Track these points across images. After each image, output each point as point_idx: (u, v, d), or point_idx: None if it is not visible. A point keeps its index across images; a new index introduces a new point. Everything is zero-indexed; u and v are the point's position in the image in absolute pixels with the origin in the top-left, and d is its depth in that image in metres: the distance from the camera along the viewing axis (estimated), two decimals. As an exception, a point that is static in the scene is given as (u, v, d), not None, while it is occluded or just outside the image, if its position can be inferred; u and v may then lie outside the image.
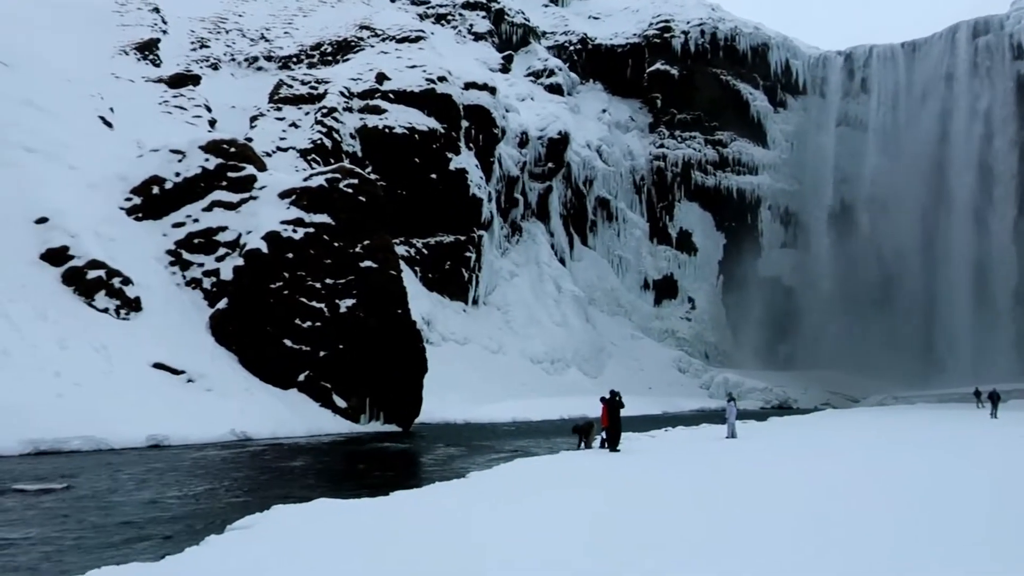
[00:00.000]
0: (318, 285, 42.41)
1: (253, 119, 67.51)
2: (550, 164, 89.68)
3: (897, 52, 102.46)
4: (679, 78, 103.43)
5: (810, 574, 9.79)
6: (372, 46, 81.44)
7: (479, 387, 61.42)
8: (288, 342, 41.01)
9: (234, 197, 45.24)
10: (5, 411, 26.97)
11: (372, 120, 69.61)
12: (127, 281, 38.83)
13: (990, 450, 26.47)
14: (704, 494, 16.29)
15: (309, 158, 63.09)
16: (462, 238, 74.55)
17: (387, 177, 66.76)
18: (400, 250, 63.07)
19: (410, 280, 57.51)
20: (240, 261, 42.28)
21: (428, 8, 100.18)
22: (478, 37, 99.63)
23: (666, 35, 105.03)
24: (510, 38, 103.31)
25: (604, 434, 27.66)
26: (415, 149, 70.76)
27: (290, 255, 42.32)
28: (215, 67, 79.35)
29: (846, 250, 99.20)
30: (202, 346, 39.43)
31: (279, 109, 67.87)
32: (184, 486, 20.73)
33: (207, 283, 42.52)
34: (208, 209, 44.81)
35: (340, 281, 42.91)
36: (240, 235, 43.49)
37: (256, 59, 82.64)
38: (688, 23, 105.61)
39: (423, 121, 71.70)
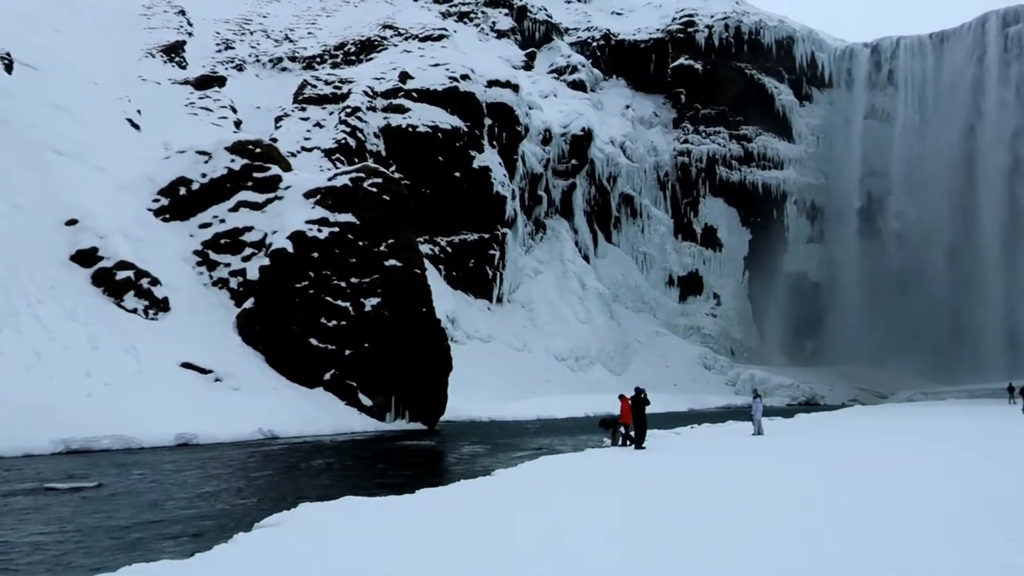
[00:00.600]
0: (343, 284, 42.63)
1: (278, 119, 67.99)
2: (574, 161, 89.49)
3: (925, 43, 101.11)
4: (703, 73, 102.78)
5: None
6: (395, 45, 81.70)
7: (504, 385, 61.48)
8: (314, 341, 41.27)
9: (260, 197, 45.58)
10: (37, 411, 27.37)
11: (396, 119, 69.85)
12: (155, 282, 39.26)
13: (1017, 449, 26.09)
14: (730, 494, 16.19)
15: (333, 158, 63.43)
16: (486, 236, 74.61)
17: (411, 176, 66.97)
18: (424, 249, 63.28)
19: (434, 278, 57.66)
20: (266, 261, 42.60)
21: (451, 6, 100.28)
22: (501, 35, 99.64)
23: (690, 30, 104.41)
24: (533, 35, 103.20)
25: (624, 430, 27.55)
26: (439, 147, 70.92)
27: (315, 254, 42.58)
28: (240, 68, 79.98)
29: (874, 245, 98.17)
30: (229, 345, 39.78)
31: (303, 109, 68.29)
32: (212, 484, 20.94)
33: (234, 283, 42.88)
34: (234, 209, 45.19)
35: (365, 280, 43.11)
36: (266, 235, 43.82)
37: (280, 60, 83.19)
38: (712, 17, 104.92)
39: (446, 119, 71.83)
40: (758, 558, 10.35)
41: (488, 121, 75.78)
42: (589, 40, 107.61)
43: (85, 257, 38.14)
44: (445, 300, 62.90)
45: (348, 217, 44.04)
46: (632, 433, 27.44)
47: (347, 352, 41.60)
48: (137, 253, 40.10)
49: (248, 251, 43.72)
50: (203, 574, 10.21)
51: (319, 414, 38.27)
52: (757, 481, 17.87)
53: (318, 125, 66.67)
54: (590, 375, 74.24)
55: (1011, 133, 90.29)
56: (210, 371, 36.73)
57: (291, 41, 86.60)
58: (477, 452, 31.01)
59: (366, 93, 69.73)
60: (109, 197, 42.94)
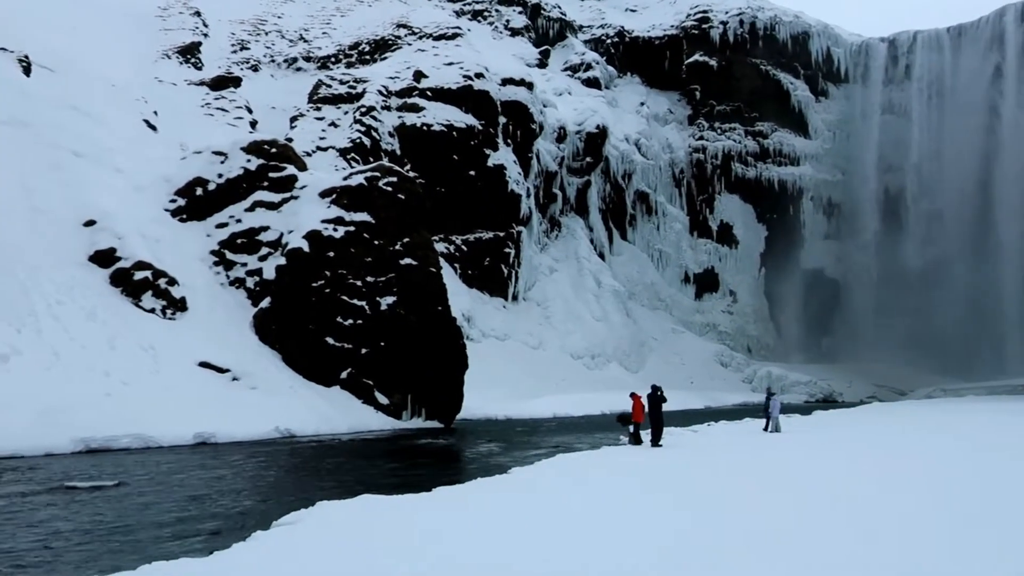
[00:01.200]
0: (359, 283, 42.74)
1: (293, 119, 68.25)
2: (588, 158, 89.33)
3: (942, 37, 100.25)
4: (718, 69, 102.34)
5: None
6: (409, 44, 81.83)
7: (520, 383, 61.47)
8: (330, 340, 41.41)
9: (275, 197, 45.77)
10: (56, 410, 27.60)
11: (410, 118, 69.96)
12: (173, 281, 39.50)
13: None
14: (748, 491, 16.12)
15: (348, 157, 63.60)
16: (501, 234, 74.63)
17: (426, 174, 67.05)
18: (439, 247, 63.36)
19: (450, 277, 57.71)
20: (282, 260, 42.78)
21: (464, 5, 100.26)
22: (515, 32, 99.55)
23: (704, 26, 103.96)
24: (547, 33, 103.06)
25: (633, 428, 27.47)
26: (453, 146, 70.98)
27: (331, 254, 42.70)
28: (255, 69, 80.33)
29: (891, 240, 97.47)
30: (246, 345, 39.98)
31: (318, 109, 68.50)
32: (231, 483, 21.04)
33: (250, 282, 43.08)
34: (250, 209, 45.40)
35: (380, 279, 43.20)
36: (282, 234, 44.00)
37: (295, 60, 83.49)
38: (727, 13, 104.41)
39: (461, 118, 71.87)
40: (769, 561, 10.29)
41: (503, 119, 75.76)
42: (603, 37, 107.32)
43: (103, 258, 38.41)
44: (461, 298, 62.94)
45: (363, 216, 44.14)
46: (641, 432, 27.41)
47: (363, 351, 41.71)
48: (155, 253, 40.35)
49: (264, 251, 43.91)
50: (222, 572, 10.25)
51: (335, 413, 38.39)
52: (774, 480, 17.78)
53: (333, 125, 66.87)
54: (606, 373, 74.13)
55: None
56: (227, 370, 36.92)
57: (306, 41, 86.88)
58: (493, 450, 31.01)
59: (381, 92, 69.87)
60: (127, 198, 43.24)
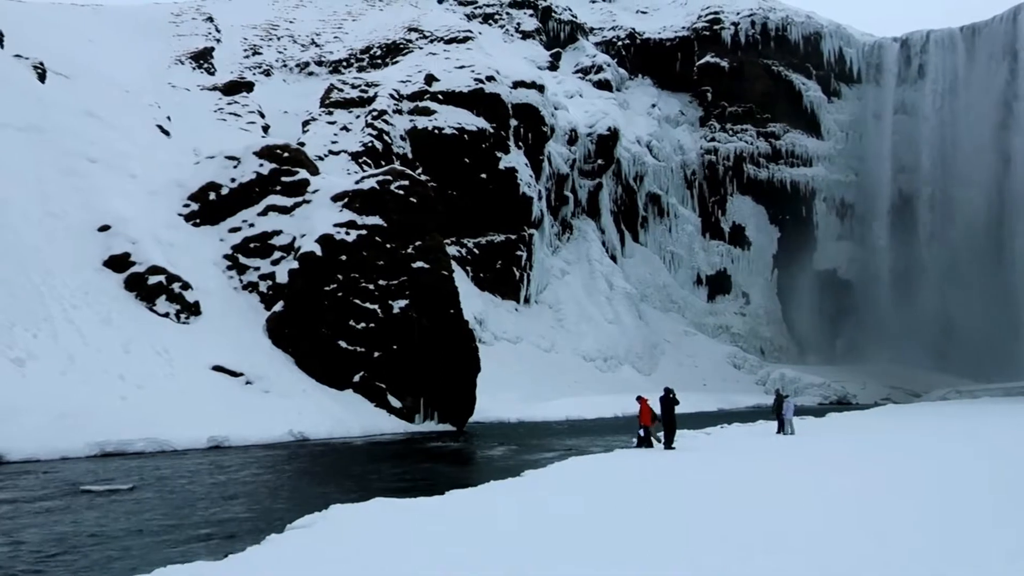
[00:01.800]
0: (371, 287, 42.85)
1: (305, 123, 68.53)
2: (600, 161, 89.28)
3: (956, 36, 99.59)
4: (729, 70, 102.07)
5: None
6: (420, 48, 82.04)
7: (532, 386, 61.46)
8: (343, 343, 41.52)
9: (288, 201, 45.95)
10: (72, 414, 27.78)
11: (422, 121, 70.11)
12: (186, 286, 39.71)
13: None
14: (760, 496, 16.07)
15: (360, 161, 63.80)
16: (513, 237, 74.66)
17: (437, 178, 67.17)
18: (451, 250, 63.44)
19: (462, 280, 57.78)
20: (295, 264, 42.94)
21: (475, 8, 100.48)
22: (526, 35, 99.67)
23: (715, 27, 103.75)
24: (558, 35, 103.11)
25: (642, 432, 27.46)
26: (465, 149, 71.07)
27: (343, 257, 42.83)
28: (267, 73, 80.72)
29: (905, 241, 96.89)
30: (259, 348, 40.14)
31: (330, 113, 68.76)
32: (244, 486, 21.14)
33: (263, 286, 43.26)
34: (263, 214, 45.60)
35: (393, 282, 43.30)
36: (294, 238, 44.17)
37: (307, 64, 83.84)
38: (738, 14, 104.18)
39: (472, 121, 71.96)
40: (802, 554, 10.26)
41: (514, 122, 75.83)
42: (614, 39, 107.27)
43: (118, 262, 38.66)
44: (473, 301, 62.99)
45: (375, 220, 44.26)
46: (647, 434, 27.40)
47: (376, 354, 41.80)
48: (168, 258, 40.59)
49: (277, 255, 44.09)
50: (237, 575, 10.31)
51: (348, 416, 38.50)
52: (792, 482, 17.73)
53: (345, 129, 67.10)
54: (619, 375, 74.02)
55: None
56: (241, 374, 37.08)
57: (317, 46, 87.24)
58: (506, 453, 31.02)
59: (392, 96, 70.07)
60: (141, 203, 43.52)
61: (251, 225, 45.34)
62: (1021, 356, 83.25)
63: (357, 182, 46.32)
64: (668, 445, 26.52)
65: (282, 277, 42.89)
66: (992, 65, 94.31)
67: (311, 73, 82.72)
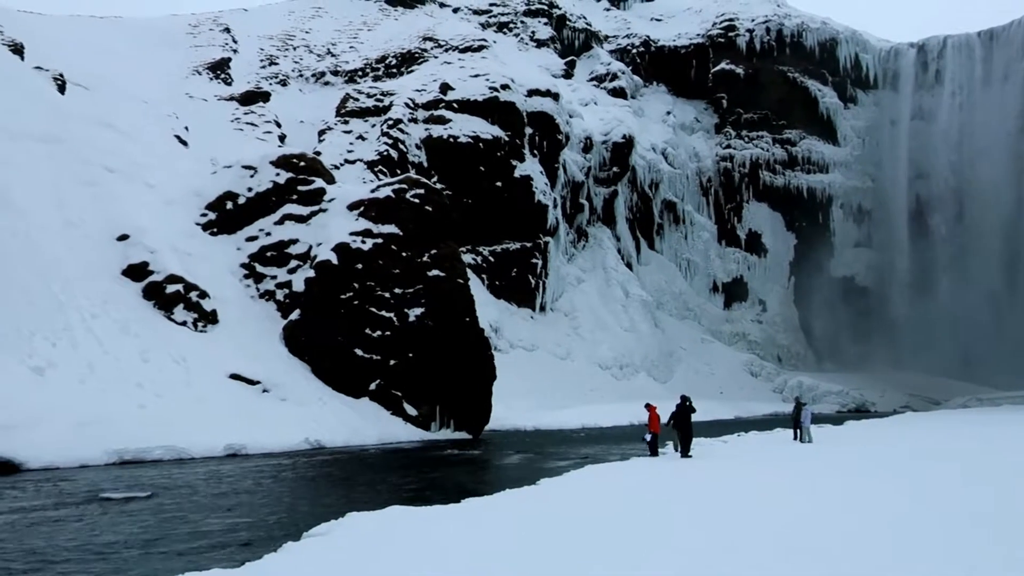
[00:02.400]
0: (387, 295, 42.96)
1: (321, 133, 68.86)
2: (615, 168, 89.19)
3: (973, 42, 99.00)
4: (745, 77, 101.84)
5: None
6: (436, 57, 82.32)
7: (548, 393, 61.36)
8: (359, 351, 41.62)
9: (304, 210, 46.18)
10: (91, 422, 27.98)
11: (437, 130, 70.30)
12: (204, 294, 39.95)
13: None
14: (781, 504, 15.96)
15: (376, 169, 64.01)
16: (528, 245, 74.67)
17: (453, 186, 67.28)
18: (467, 258, 63.50)
19: (477, 288, 57.81)
20: (311, 273, 43.12)
21: (490, 17, 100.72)
22: (540, 44, 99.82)
23: (730, 34, 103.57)
24: (572, 43, 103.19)
25: (648, 438, 27.36)
26: (480, 157, 71.18)
27: (359, 266, 42.97)
28: (284, 83, 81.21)
29: (923, 247, 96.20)
30: (276, 356, 40.31)
31: (346, 122, 69.06)
32: (261, 494, 21.20)
33: (280, 295, 43.46)
34: (280, 222, 45.84)
35: (408, 290, 43.40)
36: (311, 247, 44.36)
37: (323, 74, 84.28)
38: (753, 21, 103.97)
39: (487, 129, 72.08)
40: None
41: (529, 130, 75.92)
42: (629, 47, 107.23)
43: (136, 271, 38.97)
44: (488, 309, 63.01)
45: (391, 228, 44.39)
46: (655, 442, 27.38)
47: (392, 362, 41.87)
48: (186, 267, 40.86)
49: (294, 263, 44.30)
50: (254, 583, 10.34)
51: (364, 424, 38.56)
52: (811, 492, 17.60)
53: (361, 138, 67.37)
54: (635, 383, 73.76)
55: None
56: (258, 382, 37.24)
57: (333, 55, 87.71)
58: (522, 461, 30.97)
59: (407, 105, 70.32)
60: (159, 212, 43.88)
61: (268, 234, 45.59)
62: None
63: (373, 191, 46.50)
64: (685, 453, 26.40)
65: (298, 285, 43.08)
66: (1010, 70, 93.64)
67: (327, 83, 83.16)
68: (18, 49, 50.86)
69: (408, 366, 42.02)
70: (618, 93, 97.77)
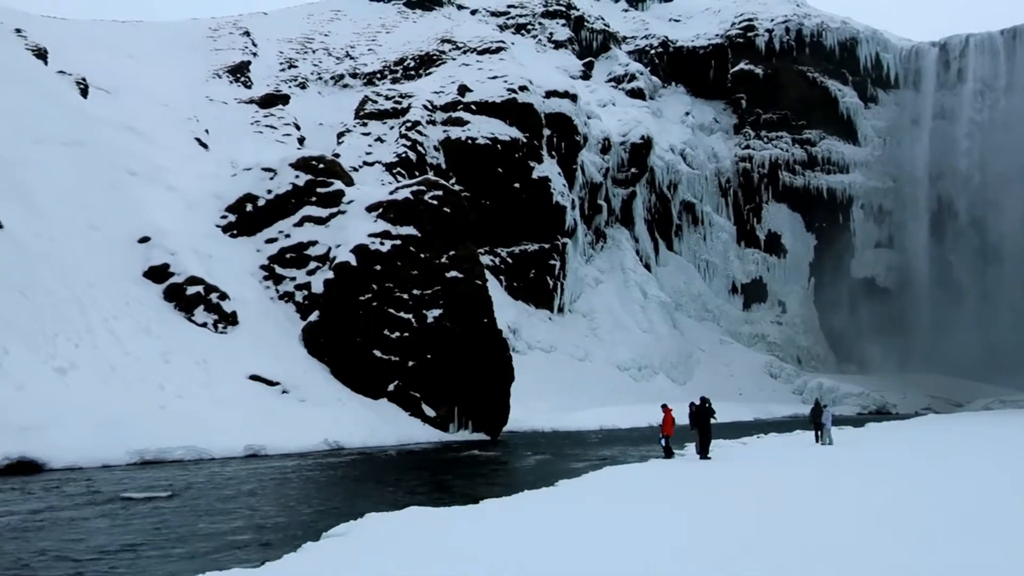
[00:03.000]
0: (405, 296, 43.07)
1: (340, 135, 69.17)
2: (633, 169, 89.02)
3: (996, 40, 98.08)
4: (764, 77, 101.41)
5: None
6: (454, 59, 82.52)
7: (566, 395, 61.30)
8: (377, 352, 41.75)
9: (323, 212, 46.40)
10: (112, 423, 28.21)
11: (455, 132, 70.45)
12: (224, 296, 40.21)
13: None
14: (797, 505, 15.86)
15: (395, 171, 64.23)
16: (546, 246, 74.66)
17: (471, 188, 67.40)
18: (485, 260, 63.59)
19: (495, 289, 57.86)
20: (330, 274, 43.30)
21: (508, 19, 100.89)
22: (558, 45, 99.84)
23: (749, 34, 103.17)
24: (590, 44, 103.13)
25: (664, 441, 27.38)
26: (498, 159, 71.26)
27: (378, 267, 43.12)
28: (303, 86, 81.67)
29: (945, 248, 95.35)
30: (295, 358, 40.50)
31: (365, 124, 69.35)
32: (281, 494, 21.31)
33: (299, 296, 43.68)
34: (299, 224, 46.08)
35: (427, 292, 43.49)
36: (330, 249, 44.55)
37: (342, 77, 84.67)
38: (772, 21, 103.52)
39: (505, 131, 72.15)
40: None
41: (547, 132, 75.92)
42: (647, 48, 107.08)
43: (157, 273, 39.28)
44: (506, 310, 63.04)
45: (410, 230, 44.52)
46: (668, 444, 27.40)
47: (410, 363, 41.98)
48: (206, 268, 41.15)
49: (313, 265, 44.52)
50: (273, 582, 10.39)
51: (383, 425, 38.66)
52: (825, 496, 17.49)
53: (379, 140, 67.63)
54: (653, 385, 73.56)
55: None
56: (277, 383, 37.43)
57: (352, 58, 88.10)
58: (540, 462, 30.95)
59: (426, 107, 70.51)
60: (179, 215, 44.23)
61: (287, 236, 45.85)
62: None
63: (391, 192, 46.65)
64: (704, 455, 26.30)
65: (317, 287, 43.28)
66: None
67: (346, 85, 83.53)
68: (42, 54, 51.44)
69: (426, 367, 42.11)
70: (636, 94, 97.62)
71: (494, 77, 75.54)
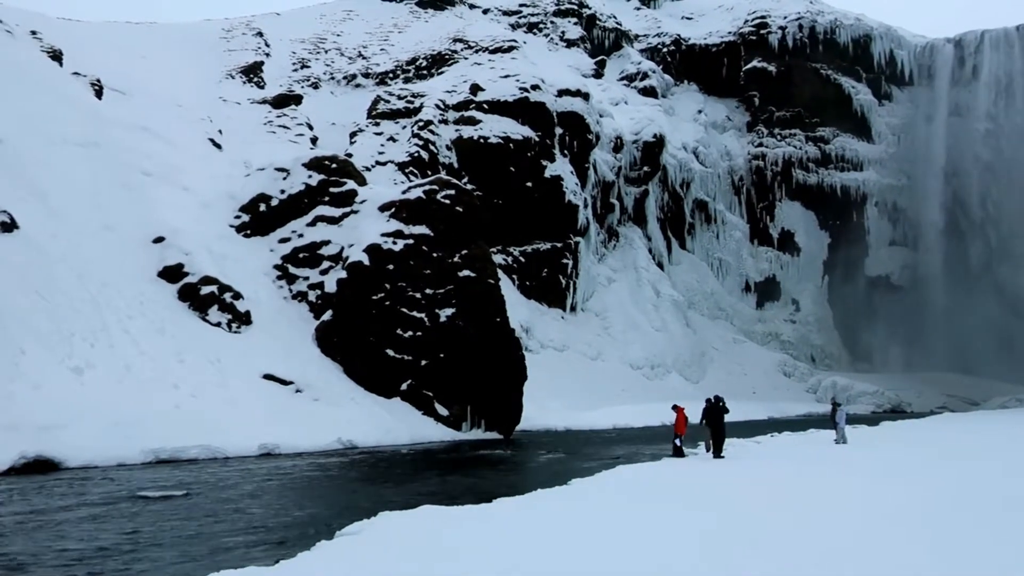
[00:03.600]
0: (418, 295, 43.14)
1: (352, 135, 69.30)
2: (646, 168, 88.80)
3: (1012, 36, 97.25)
4: (777, 75, 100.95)
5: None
6: (466, 58, 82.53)
7: (579, 394, 61.23)
8: (390, 352, 41.84)
9: (336, 212, 46.53)
10: (128, 422, 28.41)
11: (467, 131, 70.46)
12: (238, 296, 40.39)
13: None
14: (810, 505, 15.82)
15: (407, 171, 64.29)
16: (559, 245, 74.59)
17: (483, 187, 67.38)
18: (498, 259, 63.58)
19: (508, 288, 57.86)
20: (343, 274, 43.41)
21: (520, 18, 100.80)
22: (570, 44, 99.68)
23: (762, 31, 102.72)
24: (602, 43, 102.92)
25: (678, 441, 27.42)
26: (510, 158, 71.23)
27: (391, 266, 43.20)
28: (315, 86, 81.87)
29: (960, 246, 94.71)
30: (309, 357, 40.65)
31: (377, 124, 69.45)
32: (294, 493, 21.41)
33: (312, 296, 43.83)
34: (312, 224, 46.23)
35: (439, 291, 43.55)
36: (343, 248, 44.67)
37: (354, 76, 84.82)
38: (785, 18, 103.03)
39: (517, 130, 72.11)
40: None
41: (559, 130, 75.83)
42: (659, 46, 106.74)
43: (172, 273, 39.49)
44: (519, 309, 63.03)
45: (422, 229, 44.58)
46: (679, 444, 27.41)
47: (423, 362, 42.05)
48: (220, 268, 41.35)
49: (326, 264, 44.65)
50: (288, 580, 10.45)
51: (396, 424, 38.75)
52: (837, 496, 17.43)
53: (391, 139, 67.71)
54: (666, 384, 73.40)
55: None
56: (291, 382, 37.57)
57: (364, 58, 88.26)
58: (553, 461, 30.96)
59: (438, 106, 70.56)
60: (193, 215, 44.46)
61: (300, 235, 46.01)
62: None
63: (404, 192, 46.72)
64: (717, 454, 26.26)
65: (330, 286, 43.41)
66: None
67: (358, 85, 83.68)
68: (57, 56, 51.79)
69: (439, 366, 42.17)
70: (649, 92, 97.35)
71: (506, 76, 75.50)
